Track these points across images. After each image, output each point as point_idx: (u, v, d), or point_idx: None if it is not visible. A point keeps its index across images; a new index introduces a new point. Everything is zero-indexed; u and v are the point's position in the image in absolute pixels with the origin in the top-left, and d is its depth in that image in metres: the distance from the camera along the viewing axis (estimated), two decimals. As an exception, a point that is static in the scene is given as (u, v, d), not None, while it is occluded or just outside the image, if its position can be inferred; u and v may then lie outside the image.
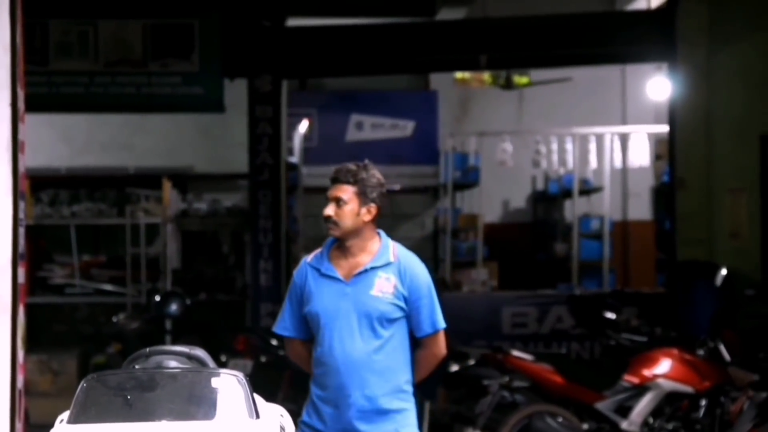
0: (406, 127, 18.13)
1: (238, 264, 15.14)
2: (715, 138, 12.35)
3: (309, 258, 5.69)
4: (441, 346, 5.66)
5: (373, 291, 5.49)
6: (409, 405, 5.59)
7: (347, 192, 5.52)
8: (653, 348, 9.57)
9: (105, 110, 13.95)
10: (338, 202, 5.52)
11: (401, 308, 5.52)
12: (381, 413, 5.48)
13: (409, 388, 5.60)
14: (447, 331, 5.65)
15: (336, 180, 5.58)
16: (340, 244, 5.58)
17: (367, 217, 5.52)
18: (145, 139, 16.22)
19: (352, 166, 5.59)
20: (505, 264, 17.12)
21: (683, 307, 11.54)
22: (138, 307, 13.97)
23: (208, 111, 13.35)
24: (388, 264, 5.54)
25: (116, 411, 4.63)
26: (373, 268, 5.52)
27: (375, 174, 5.59)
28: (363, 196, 5.52)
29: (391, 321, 5.51)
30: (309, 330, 5.62)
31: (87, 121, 15.83)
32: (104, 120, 15.81)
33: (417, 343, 5.64)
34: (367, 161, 5.63)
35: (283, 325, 5.70)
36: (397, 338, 5.54)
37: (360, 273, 5.52)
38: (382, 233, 5.67)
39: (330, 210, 5.53)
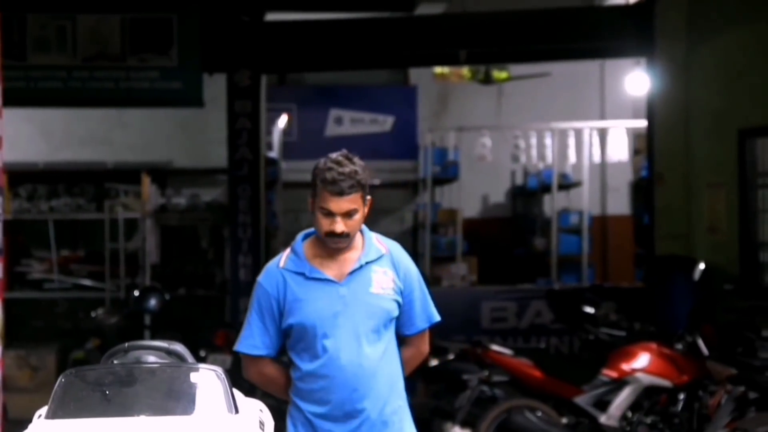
0: (385, 122, 18.14)
1: (218, 259, 15.12)
2: (694, 133, 12.38)
3: (281, 263, 5.02)
4: (427, 342, 5.22)
5: (373, 288, 4.95)
6: (405, 402, 5.15)
7: (356, 201, 4.92)
8: (632, 342, 9.61)
9: (83, 105, 13.90)
10: (348, 214, 4.91)
11: (399, 304, 5.01)
12: (388, 421, 5.02)
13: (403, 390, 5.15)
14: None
15: (342, 193, 4.88)
16: (319, 242, 4.99)
17: (365, 212, 5.01)
18: (123, 133, 16.18)
19: (347, 167, 4.90)
20: (485, 259, 17.14)
21: (661, 302, 11.57)
22: (117, 302, 13.94)
23: (186, 106, 13.31)
24: (380, 257, 5.01)
25: (95, 406, 4.62)
26: (367, 263, 4.98)
27: (363, 165, 5.00)
28: (364, 195, 4.98)
29: (392, 320, 5.00)
30: (280, 345, 5.04)
31: (65, 115, 15.78)
32: (82, 115, 15.76)
33: (401, 341, 5.13)
34: (345, 151, 4.99)
35: (251, 343, 5.01)
36: (392, 338, 5.04)
37: (354, 270, 4.95)
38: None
39: (341, 226, 4.89)
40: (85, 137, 16.20)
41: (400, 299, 5.01)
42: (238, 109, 13.19)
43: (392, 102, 18.18)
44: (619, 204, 18.51)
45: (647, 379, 9.16)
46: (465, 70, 16.85)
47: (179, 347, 5.11)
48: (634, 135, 16.82)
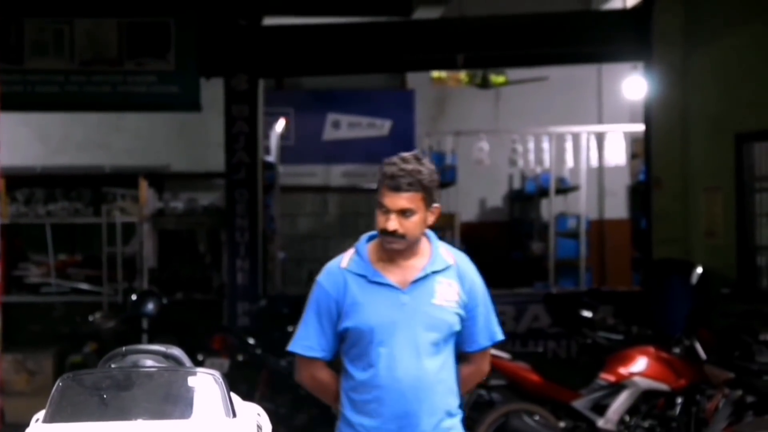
0: (382, 126, 18.14)
1: (215, 263, 15.11)
2: (691, 137, 12.39)
3: (343, 263, 4.84)
4: (488, 361, 5.02)
5: (436, 299, 4.75)
6: (459, 421, 4.90)
7: (414, 200, 4.71)
8: (629, 346, 9.60)
9: (80, 109, 13.90)
10: (404, 213, 4.71)
11: (462, 319, 4.81)
12: None
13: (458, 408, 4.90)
14: None
15: (399, 189, 4.71)
16: (382, 246, 4.80)
17: (431, 220, 4.80)
18: (121, 138, 16.17)
19: (411, 165, 4.73)
20: (482, 263, 17.07)
21: (659, 306, 11.57)
22: (114, 306, 13.93)
23: (184, 110, 13.32)
24: (447, 267, 4.82)
25: (92, 410, 4.61)
26: (432, 273, 4.79)
27: (432, 168, 4.79)
28: (429, 200, 4.75)
29: (453, 334, 4.79)
30: (335, 349, 4.87)
31: (62, 119, 15.78)
32: (80, 119, 15.76)
33: (460, 357, 4.92)
34: (416, 152, 4.85)
35: (307, 344, 4.85)
36: (451, 353, 4.83)
37: (418, 279, 4.77)
38: (429, 231, 4.90)
39: (394, 224, 4.70)
40: (83, 141, 16.19)
41: (462, 313, 4.81)
42: (235, 113, 13.19)
43: (390, 106, 18.18)
44: (617, 208, 18.52)
45: (645, 383, 9.16)
46: (462, 75, 16.87)
47: (177, 351, 5.10)
48: (632, 139, 16.83)
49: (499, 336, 4.91)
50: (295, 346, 4.87)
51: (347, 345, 4.81)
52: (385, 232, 4.72)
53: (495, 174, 17.97)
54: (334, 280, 4.81)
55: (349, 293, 4.76)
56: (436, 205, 4.78)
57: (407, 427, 4.73)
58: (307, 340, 4.84)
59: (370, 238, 4.88)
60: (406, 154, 4.77)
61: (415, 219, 4.72)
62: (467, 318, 4.81)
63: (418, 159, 4.75)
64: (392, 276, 4.76)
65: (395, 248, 4.73)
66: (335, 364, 4.99)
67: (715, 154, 11.90)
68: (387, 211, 4.71)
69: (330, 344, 4.83)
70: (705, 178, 12.13)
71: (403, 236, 4.71)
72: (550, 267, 16.65)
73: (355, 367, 4.81)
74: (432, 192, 4.74)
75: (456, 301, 4.78)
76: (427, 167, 4.74)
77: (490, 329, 4.90)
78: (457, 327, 4.78)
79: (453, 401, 4.83)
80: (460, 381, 4.90)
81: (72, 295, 14.77)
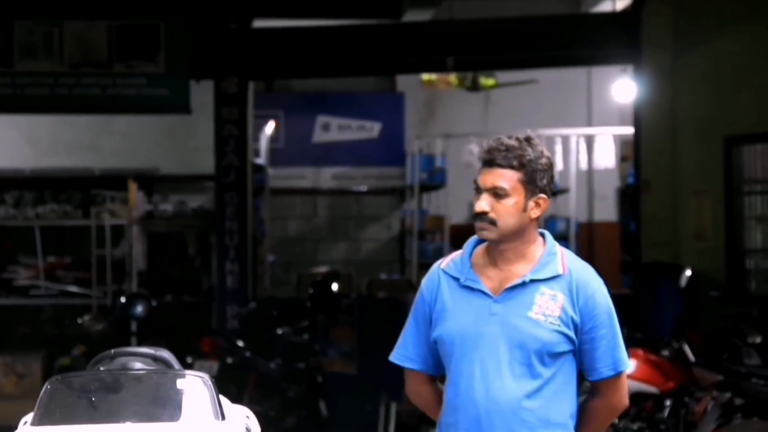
0: (372, 129, 18.15)
1: (204, 266, 15.10)
2: (680, 140, 12.41)
3: (443, 263, 4.20)
4: (622, 393, 4.19)
5: (532, 313, 4.00)
6: None
7: (510, 179, 4.00)
8: (618, 349, 9.59)
9: (70, 111, 13.88)
10: (497, 193, 4.00)
11: (570, 339, 4.04)
12: None
13: None
14: None
15: (492, 163, 4.04)
16: (490, 247, 4.11)
17: (536, 213, 4.04)
18: (110, 140, 16.16)
19: (513, 141, 4.07)
20: (472, 265, 17.13)
21: (648, 309, 11.59)
22: (103, 308, 13.91)
23: (174, 112, 13.30)
24: (555, 277, 4.04)
25: (81, 412, 4.61)
26: (533, 281, 4.04)
27: (544, 152, 4.08)
28: (531, 185, 4.02)
29: (555, 356, 4.03)
30: (438, 361, 4.17)
31: (52, 122, 15.76)
32: (69, 121, 15.74)
33: (590, 387, 4.23)
34: (529, 133, 4.16)
35: (404, 352, 4.20)
36: (561, 379, 4.08)
37: (514, 287, 4.04)
38: (548, 235, 4.18)
39: (485, 204, 4.01)
40: (72, 144, 16.17)
41: (571, 333, 4.03)
42: (225, 115, 13.18)
43: (379, 109, 18.20)
44: (606, 211, 18.53)
45: (634, 385, 9.15)
46: (452, 77, 16.88)
47: (166, 354, 5.10)
48: (621, 142, 16.85)
49: (625, 365, 4.13)
50: (393, 354, 4.24)
51: (442, 357, 4.14)
52: (476, 216, 4.05)
53: (485, 177, 17.96)
54: (430, 281, 4.17)
55: (440, 298, 4.12)
56: (543, 195, 4.04)
57: None
58: (404, 348, 4.20)
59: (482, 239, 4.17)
60: (514, 135, 4.12)
61: (509, 203, 4.00)
62: (583, 342, 4.06)
63: (528, 140, 4.08)
64: (488, 281, 4.08)
65: (486, 236, 4.03)
66: None
67: (704, 157, 11.92)
68: (479, 190, 4.05)
69: (429, 354, 4.17)
70: (694, 181, 12.14)
71: (494, 222, 4.01)
72: (540, 270, 16.63)
73: (446, 385, 4.13)
74: (536, 177, 4.01)
75: (558, 316, 4.01)
76: (536, 149, 4.04)
77: (614, 356, 4.10)
78: (559, 348, 4.02)
79: None
80: (586, 416, 4.17)
81: (61, 297, 14.75)
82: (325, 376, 11.35)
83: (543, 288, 4.03)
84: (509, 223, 4.01)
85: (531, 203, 4.02)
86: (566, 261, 4.08)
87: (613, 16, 14.17)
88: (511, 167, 4.00)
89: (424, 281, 4.20)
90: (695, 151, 12.13)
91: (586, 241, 18.13)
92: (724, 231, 11.56)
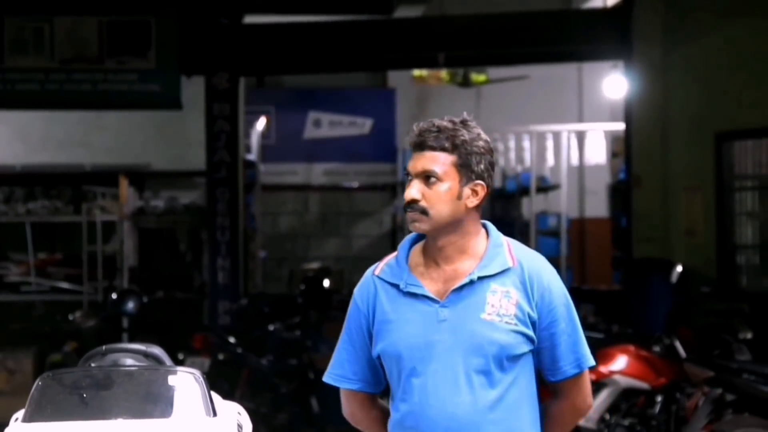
0: (364, 125, 18.16)
1: (196, 262, 15.10)
2: (671, 136, 12.42)
3: (377, 269, 3.76)
4: (586, 393, 3.78)
5: (485, 314, 3.60)
6: None
7: (443, 163, 3.59)
8: (609, 344, 9.62)
9: (61, 107, 13.86)
10: (428, 178, 3.60)
11: (529, 338, 3.65)
12: None
13: None
14: None
15: (423, 146, 3.60)
16: (428, 244, 3.69)
17: (473, 201, 3.62)
18: (101, 136, 16.14)
19: (446, 122, 3.61)
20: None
21: (639, 304, 11.60)
22: (94, 305, 13.90)
23: (165, 108, 13.29)
24: (504, 271, 3.65)
25: (72, 409, 4.60)
26: (481, 279, 3.63)
27: (481, 134, 3.64)
28: (466, 169, 3.60)
29: (514, 359, 3.63)
30: (380, 378, 3.79)
31: (43, 118, 15.74)
32: (60, 117, 15.73)
33: (548, 389, 3.80)
34: (466, 115, 3.67)
35: (339, 372, 3.79)
36: (522, 383, 3.66)
37: (462, 287, 3.63)
38: (490, 226, 3.74)
39: (415, 191, 3.60)
40: (63, 140, 16.16)
41: (529, 332, 3.64)
42: (216, 111, 13.17)
43: (371, 105, 18.21)
44: (597, 207, 18.56)
45: (625, 381, 9.18)
46: (443, 73, 16.88)
47: (157, 350, 5.10)
48: (612, 138, 16.88)
49: (589, 361, 3.74)
50: (327, 374, 3.83)
51: (387, 374, 3.74)
52: (407, 206, 3.64)
53: (476, 173, 17.97)
54: (365, 291, 3.74)
55: (378, 308, 3.69)
56: (480, 182, 3.63)
57: None
58: (339, 367, 3.80)
59: (420, 237, 3.76)
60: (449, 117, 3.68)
61: (441, 189, 3.59)
62: (543, 339, 3.66)
63: (464, 122, 3.64)
64: (430, 284, 3.65)
65: (419, 229, 3.63)
66: None
67: (695, 152, 11.94)
68: (409, 177, 3.65)
69: (368, 372, 3.77)
70: (685, 176, 12.16)
71: (425, 211, 3.60)
72: (531, 265, 16.64)
73: (392, 402, 3.74)
74: (472, 160, 3.59)
75: (514, 314, 3.61)
76: (473, 131, 3.62)
77: (576, 352, 3.71)
78: (519, 350, 3.62)
79: None
80: (549, 421, 3.77)
81: (52, 293, 14.75)
82: (317, 373, 11.34)
83: (493, 285, 3.62)
84: (442, 212, 3.59)
85: (467, 190, 3.61)
86: (514, 252, 3.68)
87: (603, 12, 14.18)
88: (443, 149, 3.58)
89: (356, 291, 3.78)
90: (686, 147, 12.14)
91: (577, 237, 18.16)
92: (715, 227, 11.58)
